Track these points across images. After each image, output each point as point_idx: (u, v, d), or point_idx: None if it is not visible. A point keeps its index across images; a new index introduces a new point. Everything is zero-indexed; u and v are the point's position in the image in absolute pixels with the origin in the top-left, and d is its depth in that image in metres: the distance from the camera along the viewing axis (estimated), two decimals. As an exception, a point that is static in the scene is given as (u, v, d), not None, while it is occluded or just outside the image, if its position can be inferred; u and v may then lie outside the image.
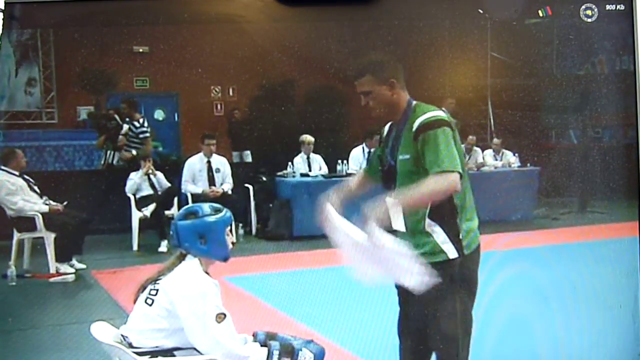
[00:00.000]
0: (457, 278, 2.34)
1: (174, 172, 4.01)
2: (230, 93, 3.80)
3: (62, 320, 3.17)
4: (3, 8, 2.59)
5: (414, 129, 2.33)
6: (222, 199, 4.08)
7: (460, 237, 2.34)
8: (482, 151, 4.22)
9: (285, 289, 3.37)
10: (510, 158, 3.97)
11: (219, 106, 3.87)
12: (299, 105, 3.31)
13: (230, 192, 4.13)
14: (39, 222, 3.57)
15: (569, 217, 3.55)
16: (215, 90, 3.78)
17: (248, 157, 4.30)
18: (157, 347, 2.30)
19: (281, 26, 2.76)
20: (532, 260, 3.06)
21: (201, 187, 4.09)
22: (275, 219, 4.03)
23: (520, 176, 3.86)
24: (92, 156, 3.99)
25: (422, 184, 2.27)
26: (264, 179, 4.23)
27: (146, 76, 3.60)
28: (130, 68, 3.38)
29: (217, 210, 2.43)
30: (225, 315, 2.31)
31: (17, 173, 3.48)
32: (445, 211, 2.33)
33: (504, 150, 4.07)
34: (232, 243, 2.43)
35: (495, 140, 4.07)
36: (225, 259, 2.42)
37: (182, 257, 2.39)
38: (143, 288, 2.36)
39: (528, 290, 2.90)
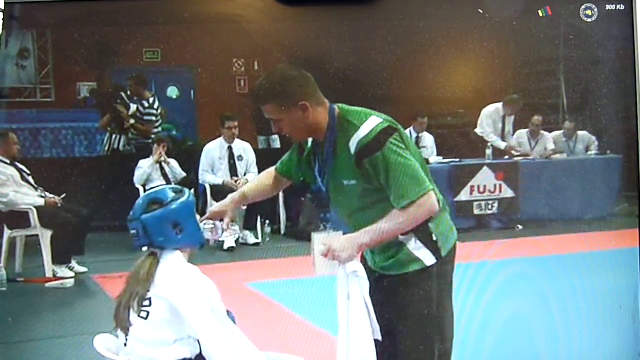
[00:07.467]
0: (436, 284, 2.29)
1: (190, 160, 3.92)
2: (256, 67, 3.56)
3: (59, 332, 3.11)
4: (3, 8, 2.70)
5: (352, 152, 2.18)
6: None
7: (435, 238, 2.26)
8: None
9: (319, 297, 3.14)
10: (588, 142, 3.63)
11: (242, 82, 3.62)
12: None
13: (255, 183, 4.02)
14: (34, 217, 3.43)
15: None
16: (238, 64, 3.56)
17: (276, 142, 4.05)
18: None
19: (281, 26, 2.90)
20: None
21: (221, 177, 3.97)
22: (308, 215, 3.81)
23: (598, 166, 3.56)
24: (94, 140, 3.85)
25: (394, 219, 2.16)
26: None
27: (157, 48, 3.40)
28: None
29: (180, 191, 2.34)
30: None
31: (8, 161, 3.40)
32: None
33: (578, 133, 3.72)
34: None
35: (567, 123, 3.70)
36: (202, 245, 2.40)
37: (155, 257, 2.27)
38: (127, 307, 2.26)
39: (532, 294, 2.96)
